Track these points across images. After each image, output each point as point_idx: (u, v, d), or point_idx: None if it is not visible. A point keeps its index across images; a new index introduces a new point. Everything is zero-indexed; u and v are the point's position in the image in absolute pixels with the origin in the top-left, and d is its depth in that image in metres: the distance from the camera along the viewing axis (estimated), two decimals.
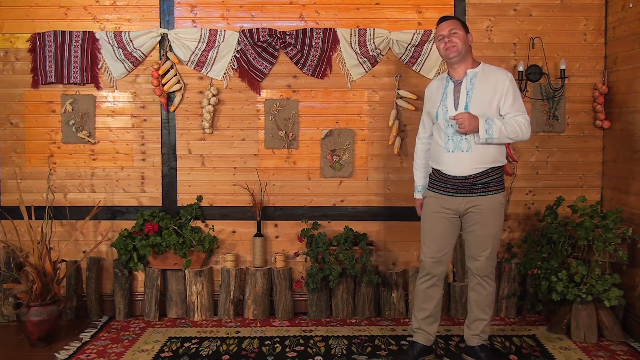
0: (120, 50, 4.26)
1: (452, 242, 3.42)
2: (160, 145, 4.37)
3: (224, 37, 4.26)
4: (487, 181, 3.28)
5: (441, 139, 3.32)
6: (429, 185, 3.47)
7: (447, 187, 3.33)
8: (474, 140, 3.23)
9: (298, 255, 4.37)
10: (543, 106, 4.32)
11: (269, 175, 4.38)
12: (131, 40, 4.25)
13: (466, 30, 3.32)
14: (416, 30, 4.23)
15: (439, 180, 3.37)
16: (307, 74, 4.31)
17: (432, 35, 4.21)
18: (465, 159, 3.25)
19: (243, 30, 4.27)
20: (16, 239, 4.18)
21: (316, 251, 4.15)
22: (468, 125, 3.18)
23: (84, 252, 4.37)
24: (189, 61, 4.29)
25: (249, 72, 4.31)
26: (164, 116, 4.35)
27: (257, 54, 4.28)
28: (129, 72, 4.32)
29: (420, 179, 3.59)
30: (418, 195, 3.60)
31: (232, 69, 4.32)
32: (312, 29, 4.27)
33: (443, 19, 3.37)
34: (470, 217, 3.32)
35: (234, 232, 4.41)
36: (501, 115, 3.28)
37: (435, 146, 3.38)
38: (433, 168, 3.44)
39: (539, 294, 3.96)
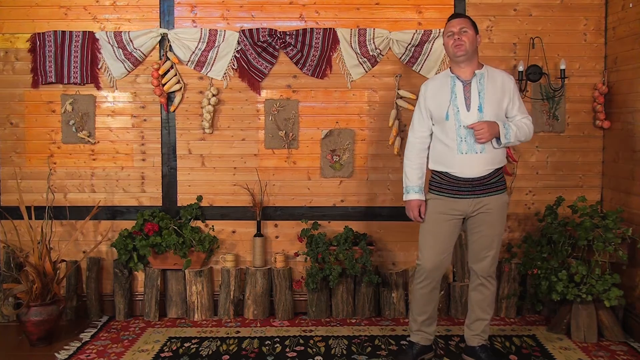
0: (120, 50, 4.26)
1: (453, 244, 3.39)
2: (160, 145, 4.37)
3: (224, 37, 4.26)
4: (495, 181, 3.29)
5: (452, 140, 3.23)
6: (431, 189, 3.38)
7: (456, 189, 3.28)
8: (490, 143, 3.21)
9: (298, 255, 4.37)
10: (543, 106, 4.32)
11: (269, 175, 4.38)
12: (131, 40, 4.25)
13: (476, 30, 3.29)
14: (416, 30, 4.23)
15: (445, 183, 3.30)
16: (307, 74, 4.31)
17: (432, 35, 4.21)
18: (478, 161, 3.22)
19: (243, 30, 4.27)
20: (16, 239, 4.18)
21: (316, 251, 4.15)
22: (489, 136, 3.17)
23: (84, 252, 4.38)
24: (189, 61, 4.29)
25: (249, 72, 4.31)
26: (164, 116, 4.35)
27: (257, 54, 4.28)
28: (129, 72, 4.32)
29: (416, 179, 3.38)
30: (415, 196, 3.36)
31: (232, 69, 4.32)
32: (312, 29, 4.27)
33: (455, 15, 3.35)
34: (478, 218, 3.30)
35: (234, 232, 4.41)
36: (508, 118, 3.31)
37: (442, 148, 3.28)
38: (436, 170, 3.34)
39: (539, 294, 3.96)
